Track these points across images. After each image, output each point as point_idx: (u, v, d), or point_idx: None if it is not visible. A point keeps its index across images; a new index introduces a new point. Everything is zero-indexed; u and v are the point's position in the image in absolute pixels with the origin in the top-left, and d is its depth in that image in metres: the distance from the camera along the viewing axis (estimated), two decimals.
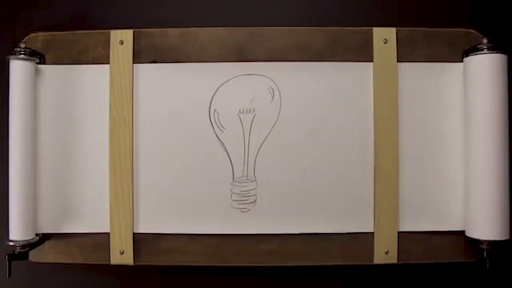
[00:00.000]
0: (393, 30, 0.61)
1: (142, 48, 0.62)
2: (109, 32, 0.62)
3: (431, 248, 0.61)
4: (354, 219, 0.61)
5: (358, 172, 0.61)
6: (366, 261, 0.61)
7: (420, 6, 0.66)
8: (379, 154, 0.61)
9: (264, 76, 0.62)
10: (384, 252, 0.61)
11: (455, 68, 0.61)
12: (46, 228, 0.61)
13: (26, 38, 0.61)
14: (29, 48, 0.60)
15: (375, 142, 0.61)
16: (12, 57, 0.59)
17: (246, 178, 0.61)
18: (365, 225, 0.61)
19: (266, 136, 0.61)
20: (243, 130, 0.61)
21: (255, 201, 0.61)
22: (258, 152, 0.61)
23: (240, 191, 0.61)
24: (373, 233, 0.61)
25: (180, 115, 0.61)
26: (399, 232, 0.61)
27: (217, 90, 0.62)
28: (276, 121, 0.61)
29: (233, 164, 0.61)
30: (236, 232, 0.61)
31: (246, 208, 0.61)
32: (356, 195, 0.61)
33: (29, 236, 0.59)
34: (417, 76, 0.61)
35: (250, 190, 0.61)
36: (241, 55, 0.62)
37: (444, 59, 0.62)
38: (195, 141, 0.61)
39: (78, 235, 0.62)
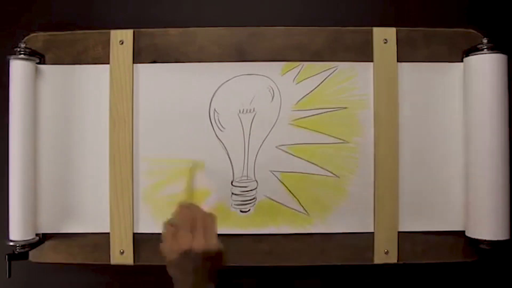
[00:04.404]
0: (393, 30, 0.61)
1: (142, 48, 0.62)
2: (109, 32, 0.62)
3: (431, 248, 0.61)
4: (354, 219, 0.61)
5: (358, 172, 0.61)
6: (366, 261, 0.61)
7: (419, 6, 0.66)
8: (379, 154, 0.61)
9: (264, 76, 0.62)
10: (384, 252, 0.61)
11: (455, 68, 0.61)
12: (46, 228, 0.61)
13: (26, 38, 0.61)
14: (29, 48, 0.60)
15: (375, 142, 0.61)
16: (12, 57, 0.59)
17: (246, 178, 0.61)
18: (365, 225, 0.61)
19: (266, 136, 0.61)
20: (243, 130, 0.61)
21: (255, 201, 0.61)
22: (258, 152, 0.61)
23: (240, 191, 0.61)
24: (373, 233, 0.61)
25: (180, 115, 0.61)
26: (399, 232, 0.61)
27: (217, 90, 0.62)
28: (276, 121, 0.61)
29: (233, 164, 0.61)
30: (236, 232, 0.61)
31: (246, 208, 0.61)
32: (357, 195, 0.61)
33: (29, 236, 0.59)
34: (417, 76, 0.61)
35: (250, 190, 0.61)
36: (241, 55, 0.62)
37: (444, 59, 0.62)
38: (195, 141, 0.61)
39: (78, 235, 0.62)
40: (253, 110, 0.61)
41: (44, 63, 0.62)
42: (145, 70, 0.62)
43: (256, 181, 0.61)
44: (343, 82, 0.62)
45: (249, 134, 0.61)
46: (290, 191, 0.61)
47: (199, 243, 0.50)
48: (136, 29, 0.62)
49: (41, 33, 0.62)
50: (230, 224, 0.61)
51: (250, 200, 0.61)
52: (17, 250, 0.58)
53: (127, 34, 0.61)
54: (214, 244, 0.51)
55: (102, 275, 0.66)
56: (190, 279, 0.52)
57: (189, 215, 0.53)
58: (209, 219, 0.53)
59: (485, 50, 0.58)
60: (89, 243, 0.62)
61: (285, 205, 0.61)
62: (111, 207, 0.61)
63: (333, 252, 0.61)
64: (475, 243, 0.59)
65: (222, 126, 0.61)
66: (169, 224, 0.53)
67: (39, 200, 0.61)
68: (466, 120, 0.60)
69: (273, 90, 0.62)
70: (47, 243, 0.62)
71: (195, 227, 0.51)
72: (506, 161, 0.58)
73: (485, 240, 0.58)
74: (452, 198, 0.61)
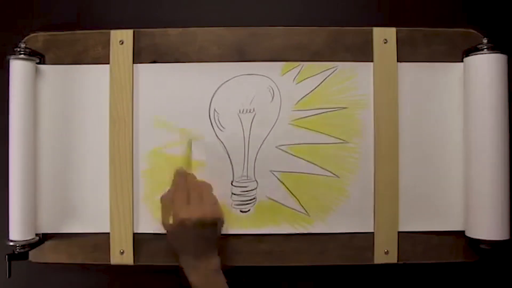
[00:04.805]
0: (393, 30, 0.61)
1: (142, 48, 0.62)
2: (109, 32, 0.62)
3: (431, 248, 0.61)
4: (354, 219, 0.61)
5: (358, 172, 0.61)
6: (366, 261, 0.61)
7: (420, 6, 0.66)
8: (379, 154, 0.61)
9: (264, 76, 0.62)
10: (384, 252, 0.61)
11: (455, 68, 0.61)
12: (46, 228, 0.62)
13: (26, 38, 0.61)
14: (29, 48, 0.60)
15: (375, 142, 0.61)
16: (12, 57, 0.59)
17: (246, 178, 0.61)
18: (365, 225, 0.61)
19: (266, 136, 0.61)
20: (243, 130, 0.61)
21: (255, 201, 0.61)
22: (258, 152, 0.61)
23: (240, 191, 0.61)
24: (373, 233, 0.61)
25: (180, 115, 0.61)
26: (399, 232, 0.61)
27: (217, 90, 0.62)
28: (276, 121, 0.61)
29: (233, 164, 0.61)
30: (236, 232, 0.61)
31: (246, 208, 0.61)
32: (357, 195, 0.61)
33: (29, 236, 0.59)
34: (417, 76, 0.61)
35: (250, 190, 0.61)
36: (241, 55, 0.62)
37: (444, 59, 0.62)
38: (195, 141, 0.61)
39: (78, 235, 0.62)
40: (253, 110, 0.61)
41: (44, 63, 0.62)
42: (145, 70, 0.62)
43: (256, 181, 0.61)
44: (343, 82, 0.62)
45: (249, 134, 0.61)
46: (290, 191, 0.61)
47: (196, 210, 0.50)
48: (136, 29, 0.62)
49: (41, 33, 0.62)
50: (230, 224, 0.61)
51: (250, 200, 0.61)
52: (17, 250, 0.58)
53: (127, 34, 0.61)
54: (211, 211, 0.50)
55: (102, 275, 0.66)
56: (191, 249, 0.51)
57: (184, 184, 0.53)
58: (204, 186, 0.53)
59: (485, 50, 0.58)
60: (89, 243, 0.62)
61: (285, 205, 0.61)
62: (111, 207, 0.61)
63: (333, 252, 0.61)
64: (475, 243, 0.59)
65: (222, 126, 0.61)
66: (165, 196, 0.52)
67: (39, 200, 0.61)
68: (466, 120, 0.60)
69: (273, 90, 0.62)
70: (47, 243, 0.62)
71: (190, 195, 0.51)
72: (506, 161, 0.58)
73: (485, 240, 0.58)
74: (452, 198, 0.61)
